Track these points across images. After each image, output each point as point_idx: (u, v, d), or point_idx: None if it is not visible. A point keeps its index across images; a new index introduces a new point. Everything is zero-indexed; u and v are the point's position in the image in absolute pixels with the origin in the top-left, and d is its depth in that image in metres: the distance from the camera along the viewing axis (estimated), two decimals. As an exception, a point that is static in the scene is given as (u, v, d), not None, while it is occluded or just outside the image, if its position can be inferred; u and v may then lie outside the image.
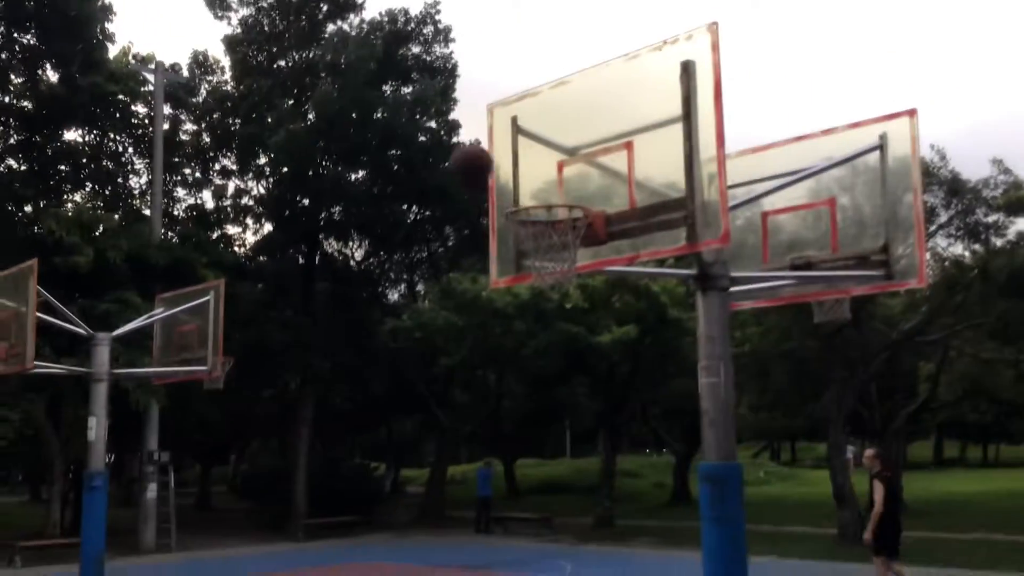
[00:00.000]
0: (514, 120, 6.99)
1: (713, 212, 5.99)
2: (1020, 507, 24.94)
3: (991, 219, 19.46)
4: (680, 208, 6.02)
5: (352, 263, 31.01)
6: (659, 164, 6.26)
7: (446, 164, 27.86)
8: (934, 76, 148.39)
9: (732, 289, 7.18)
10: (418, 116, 26.76)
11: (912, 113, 7.58)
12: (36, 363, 13.25)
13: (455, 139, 28.10)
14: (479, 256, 26.51)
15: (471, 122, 45.20)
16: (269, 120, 25.21)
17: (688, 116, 6.05)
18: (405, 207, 28.70)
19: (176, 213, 27.79)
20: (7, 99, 23.32)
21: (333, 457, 29.84)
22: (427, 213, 29.22)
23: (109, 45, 23.53)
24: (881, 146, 7.67)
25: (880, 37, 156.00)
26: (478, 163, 6.58)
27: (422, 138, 27.04)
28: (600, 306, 23.42)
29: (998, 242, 19.60)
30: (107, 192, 25.61)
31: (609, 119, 6.49)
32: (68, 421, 21.33)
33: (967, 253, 20.57)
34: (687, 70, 6.10)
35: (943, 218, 19.42)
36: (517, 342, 25.03)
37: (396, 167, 27.17)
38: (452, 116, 27.82)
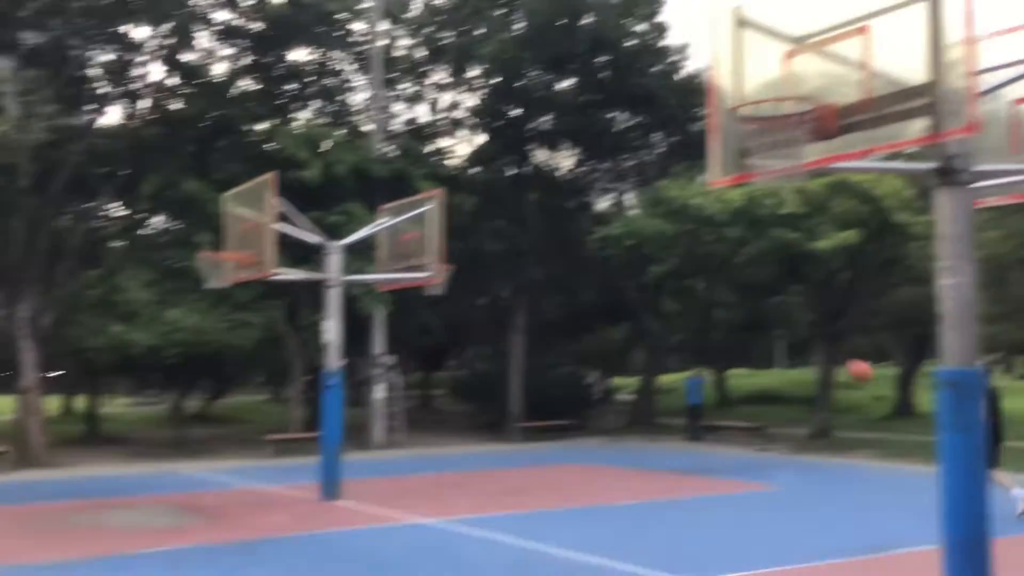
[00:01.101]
0: (736, 10, 6.70)
1: (959, 100, 5.57)
2: None
3: None
4: (922, 96, 5.62)
5: (561, 172, 31.16)
6: (898, 50, 5.86)
7: (653, 68, 27.28)
8: None
9: (976, 184, 6.69)
10: (625, 20, 26.20)
11: None
12: (276, 270, 14.30)
13: (663, 42, 27.39)
14: (689, 162, 25.94)
15: (679, 24, 43.75)
16: (480, 31, 25.48)
17: (932, -6, 5.61)
18: (613, 114, 28.41)
19: (393, 127, 28.78)
20: (238, 20, 24.60)
21: (546, 363, 30.58)
22: (636, 119, 28.81)
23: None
24: None
25: None
26: None
27: (629, 43, 26.52)
28: (819, 211, 22.43)
29: None
30: (331, 109, 26.83)
31: (842, 3, 6.11)
32: (304, 326, 22.93)
33: None
34: (932, -57, 5.62)
35: None
36: (729, 249, 24.50)
37: (604, 73, 26.86)
38: (659, 18, 27.06)
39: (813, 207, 22.27)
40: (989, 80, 6.95)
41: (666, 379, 42.32)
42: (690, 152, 26.41)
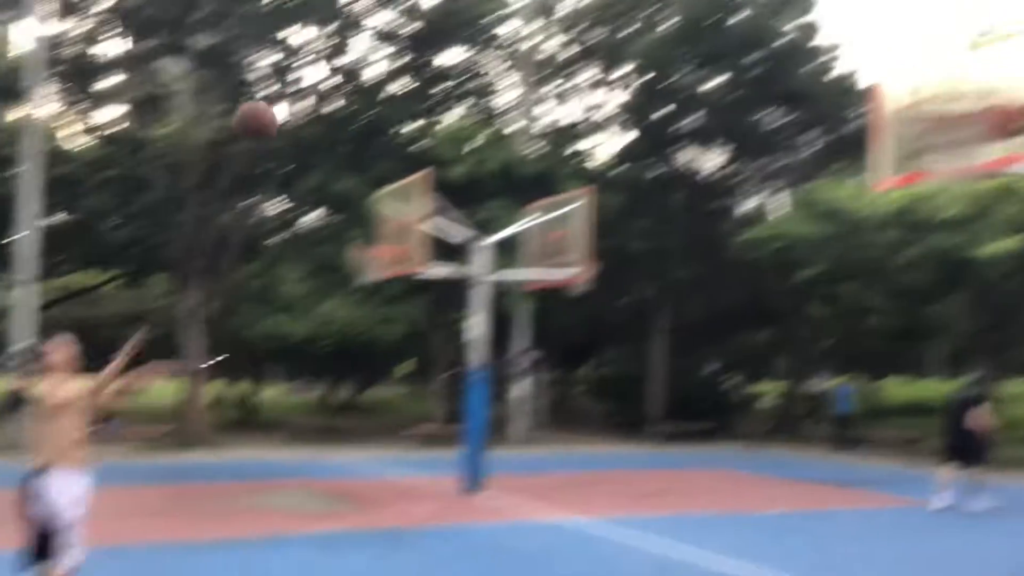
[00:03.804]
0: (907, 8, 6.47)
1: None
2: None
3: None
4: (1116, 93, 5.29)
5: (709, 172, 30.68)
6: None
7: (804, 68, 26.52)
8: None
9: None
10: (777, 18, 25.61)
11: None
12: (425, 266, 14.64)
13: (814, 42, 26.66)
14: (843, 163, 25.09)
15: (834, 22, 42.35)
16: (631, 29, 25.40)
17: None
18: (765, 112, 27.78)
19: (541, 126, 28.99)
20: (394, 23, 25.28)
21: (686, 366, 30.18)
22: (788, 118, 28.08)
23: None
24: None
25: None
26: (257, 123, 6.45)
27: (781, 41, 25.89)
28: (983, 215, 21.29)
29: None
30: (479, 109, 27.26)
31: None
32: (450, 321, 23.40)
33: None
34: None
35: None
36: (883, 254, 23.54)
37: (755, 71, 26.30)
38: (810, 18, 26.36)
39: (978, 211, 21.17)
40: None
41: (811, 386, 41.06)
42: (841, 153, 25.56)
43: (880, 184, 6.93)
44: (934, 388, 42.04)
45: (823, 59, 27.15)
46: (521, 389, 25.04)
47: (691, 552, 10.46)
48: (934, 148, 6.10)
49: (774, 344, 41.56)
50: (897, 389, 42.26)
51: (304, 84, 24.79)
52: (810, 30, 26.49)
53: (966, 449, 13.97)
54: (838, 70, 27.25)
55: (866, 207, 21.64)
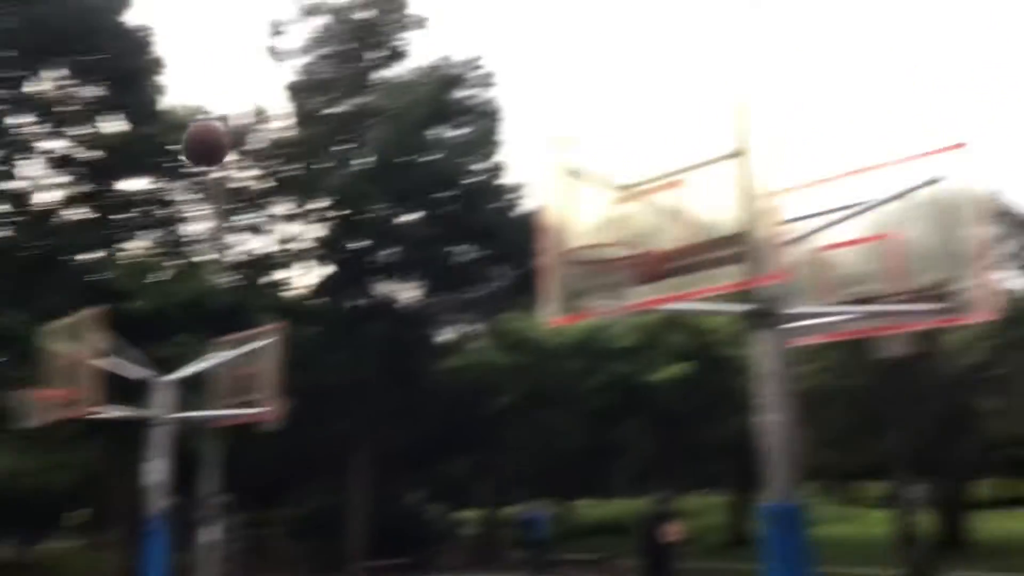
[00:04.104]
0: (567, 160, 7.03)
1: (768, 248, 5.98)
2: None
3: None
4: (735, 244, 6.01)
5: (406, 304, 31.24)
6: (715, 200, 6.27)
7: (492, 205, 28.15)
8: (988, 106, 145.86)
9: (789, 325, 7.12)
10: (467, 158, 27.11)
11: (963, 146, 7.49)
12: (99, 407, 13.53)
13: (500, 180, 28.46)
14: (532, 295, 26.54)
15: (515, 164, 45.55)
16: (325, 165, 25.71)
17: (743, 152, 6.06)
18: (457, 248, 28.93)
19: (233, 258, 28.29)
20: (70, 150, 24.00)
21: (387, 499, 29.83)
22: (479, 253, 29.42)
23: (161, 97, 24.28)
24: (936, 180, 7.58)
25: (937, 69, 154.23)
26: (209, 143, 6.55)
27: (471, 179, 27.36)
28: (654, 344, 23.30)
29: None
30: (166, 239, 26.17)
31: (664, 156, 6.52)
32: (128, 466, 21.63)
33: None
34: (740, 107, 6.11)
35: (1005, 250, 19.05)
36: (570, 381, 24.96)
37: (448, 208, 27.48)
38: (498, 158, 28.22)
39: (648, 341, 23.12)
40: (795, 230, 7.48)
41: (511, 511, 42.02)
42: (531, 286, 27.10)
43: (551, 321, 7.34)
44: (623, 507, 44.48)
45: (509, 197, 28.88)
46: (211, 534, 23.43)
47: None
48: (593, 289, 6.56)
49: (475, 471, 42.30)
50: (589, 510, 44.20)
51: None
52: (497, 170, 28.18)
53: (658, 564, 14.79)
54: (524, 207, 29.07)
55: (553, 338, 22.92)
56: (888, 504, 31.86)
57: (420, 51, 40.90)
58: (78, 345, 13.67)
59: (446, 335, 33.08)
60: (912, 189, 7.69)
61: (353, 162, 25.84)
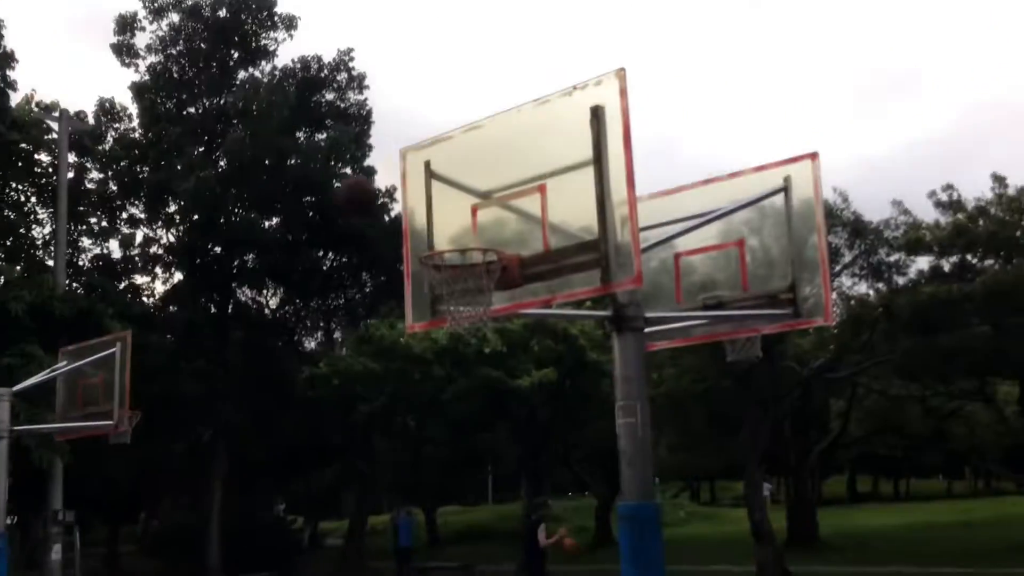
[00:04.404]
0: (427, 164, 6.97)
1: (626, 254, 6.05)
2: (932, 539, 25.58)
3: (893, 258, 20.18)
4: (593, 250, 6.06)
5: (267, 311, 30.49)
6: (572, 207, 6.31)
7: (342, 200, 27.69)
8: (833, 116, 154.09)
9: (647, 330, 7.23)
10: (332, 163, 26.61)
11: (814, 156, 7.81)
12: (-71, 421, 12.64)
13: (370, 185, 27.98)
14: (396, 302, 26.27)
15: (386, 168, 45.17)
16: (179, 167, 24.79)
17: (599, 160, 6.11)
18: (320, 254, 28.40)
19: (81, 263, 26.96)
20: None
21: (249, 511, 29.00)
22: (343, 260, 28.97)
23: (11, 93, 22.90)
24: (785, 188, 7.87)
25: (784, 79, 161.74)
26: (361, 194, 6.63)
27: (337, 184, 26.88)
28: (519, 350, 23.47)
29: (900, 280, 20.32)
30: (8, 243, 24.68)
31: (522, 163, 6.52)
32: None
33: (871, 292, 21.27)
34: (597, 115, 6.18)
35: (847, 258, 20.08)
36: (436, 388, 24.86)
37: (311, 214, 26.95)
38: (367, 163, 27.77)
39: (514, 346, 23.27)
40: (652, 236, 7.63)
41: (379, 519, 41.57)
42: (397, 292, 26.81)
43: (412, 327, 7.25)
44: (490, 513, 44.68)
45: (379, 202, 28.43)
46: (57, 553, 22.22)
47: None
48: (452, 295, 6.51)
49: (340, 480, 41.65)
50: (456, 516, 44.15)
51: None
52: (367, 174, 27.70)
53: (534, 566, 15.15)
54: (395, 211, 28.69)
55: (419, 344, 22.78)
56: (742, 503, 33.08)
57: (291, 52, 40.05)
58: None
59: (310, 343, 32.49)
60: (762, 197, 7.97)
61: (204, 168, 24.93)
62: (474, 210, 6.58)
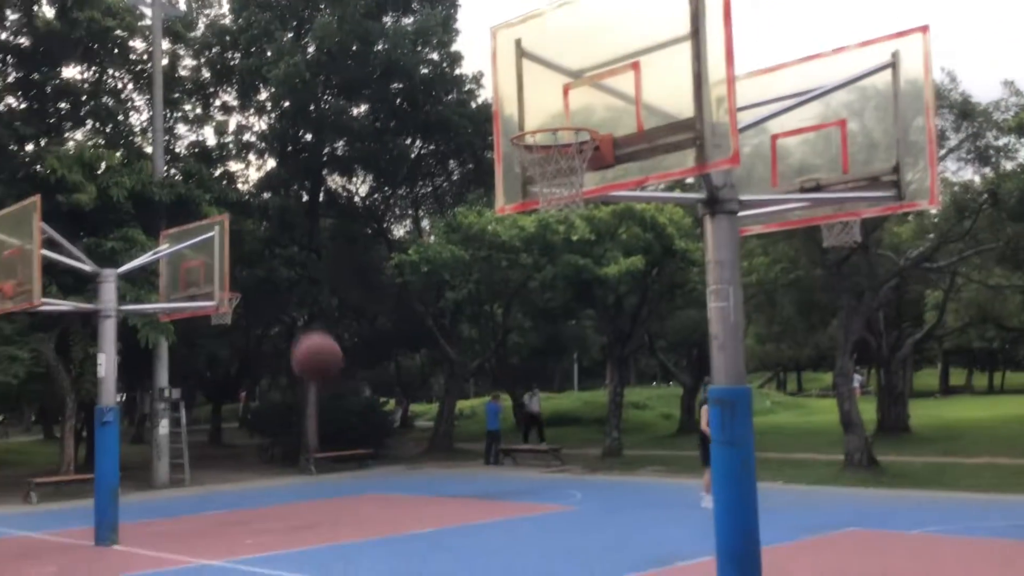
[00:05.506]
0: (518, 43, 6.83)
1: (722, 133, 5.88)
2: (1025, 432, 25.14)
3: (1001, 142, 19.21)
4: (689, 130, 5.91)
5: (356, 199, 30.85)
6: (667, 85, 6.13)
7: (448, 97, 27.48)
8: None
9: (741, 213, 7.11)
10: (419, 47, 26.32)
11: (924, 30, 7.40)
12: (43, 300, 13.29)
13: (458, 70, 27.66)
14: (484, 190, 26.33)
15: (473, 54, 44.52)
16: (269, 54, 24.86)
17: (696, 35, 5.90)
18: (408, 141, 28.40)
19: (178, 150, 27.56)
20: (3, 36, 22.99)
21: (341, 392, 30.00)
22: (431, 147, 28.95)
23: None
24: (893, 64, 7.51)
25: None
26: (322, 360, 6.50)
27: (424, 70, 26.67)
28: (606, 238, 23.36)
29: (1008, 165, 19.37)
30: (108, 130, 25.33)
31: (615, 40, 6.34)
32: (78, 359, 21.43)
33: (977, 177, 20.37)
34: (696, -13, 5.93)
35: (953, 141, 19.18)
36: (523, 275, 25.04)
37: (398, 100, 26.86)
38: (454, 47, 27.35)
39: (601, 234, 23.16)
40: (751, 116, 7.40)
41: (466, 404, 42.68)
42: (485, 179, 26.83)
43: (501, 210, 7.25)
44: (574, 399, 45.37)
45: (467, 88, 28.20)
46: (164, 428, 23.49)
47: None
48: (543, 177, 6.45)
49: (429, 365, 42.76)
50: (542, 403, 44.92)
51: None
52: (454, 59, 27.39)
53: (705, 449, 14.88)
54: (481, 98, 28.44)
55: (506, 231, 22.83)
56: (829, 393, 32.83)
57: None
58: (19, 237, 13.31)
59: (398, 230, 32.87)
60: (868, 74, 7.62)
61: (298, 52, 24.95)
62: (566, 89, 6.45)
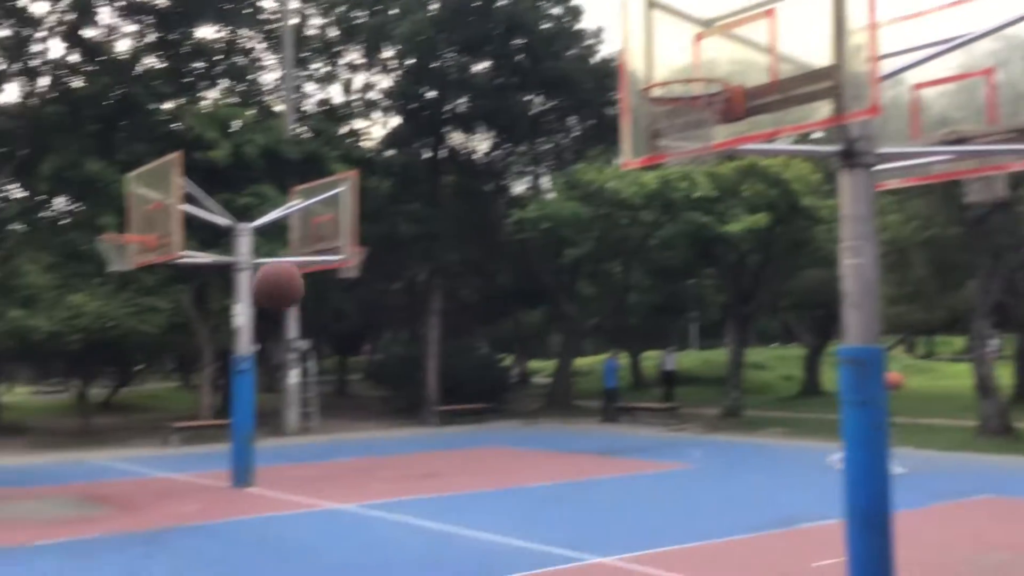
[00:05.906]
0: (647, -8, 6.70)
1: (862, 82, 5.67)
2: None
3: None
4: (826, 79, 5.72)
5: (477, 155, 31.06)
6: (803, 33, 5.94)
7: (569, 52, 27.29)
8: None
9: (878, 166, 6.85)
10: (540, 3, 26.19)
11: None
12: (184, 253, 13.94)
13: (578, 25, 27.44)
14: (605, 146, 26.11)
15: (594, 7, 43.89)
16: (394, 11, 25.16)
17: (836, -20, 5.69)
18: (529, 97, 28.39)
19: (306, 108, 28.28)
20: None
21: (462, 347, 30.53)
22: (551, 103, 28.85)
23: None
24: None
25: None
26: (281, 290, 6.42)
27: (545, 26, 26.53)
28: (729, 195, 22.84)
29: None
30: (240, 88, 26.20)
31: (750, -14, 6.16)
32: (215, 310, 22.43)
33: None
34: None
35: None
36: (643, 233, 24.81)
37: (519, 56, 26.83)
38: (574, 2, 27.11)
39: (724, 191, 22.67)
40: (890, 65, 7.10)
41: (583, 361, 42.77)
42: (606, 136, 26.61)
43: (626, 164, 7.17)
44: (692, 359, 44.93)
45: (588, 43, 27.99)
46: (294, 378, 24.43)
47: (463, 530, 10.57)
48: (671, 130, 6.36)
49: (546, 322, 42.92)
50: (658, 361, 44.65)
51: (44, 59, 22.89)
52: (574, 14, 27.18)
53: None
54: (602, 53, 28.18)
55: (627, 188, 22.59)
56: (966, 357, 31.55)
57: None
58: (160, 192, 13.97)
59: (519, 186, 32.96)
60: (1013, 22, 7.19)
61: (422, 9, 25.17)
62: (697, 39, 6.31)
